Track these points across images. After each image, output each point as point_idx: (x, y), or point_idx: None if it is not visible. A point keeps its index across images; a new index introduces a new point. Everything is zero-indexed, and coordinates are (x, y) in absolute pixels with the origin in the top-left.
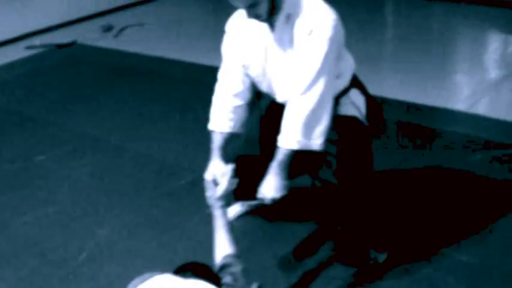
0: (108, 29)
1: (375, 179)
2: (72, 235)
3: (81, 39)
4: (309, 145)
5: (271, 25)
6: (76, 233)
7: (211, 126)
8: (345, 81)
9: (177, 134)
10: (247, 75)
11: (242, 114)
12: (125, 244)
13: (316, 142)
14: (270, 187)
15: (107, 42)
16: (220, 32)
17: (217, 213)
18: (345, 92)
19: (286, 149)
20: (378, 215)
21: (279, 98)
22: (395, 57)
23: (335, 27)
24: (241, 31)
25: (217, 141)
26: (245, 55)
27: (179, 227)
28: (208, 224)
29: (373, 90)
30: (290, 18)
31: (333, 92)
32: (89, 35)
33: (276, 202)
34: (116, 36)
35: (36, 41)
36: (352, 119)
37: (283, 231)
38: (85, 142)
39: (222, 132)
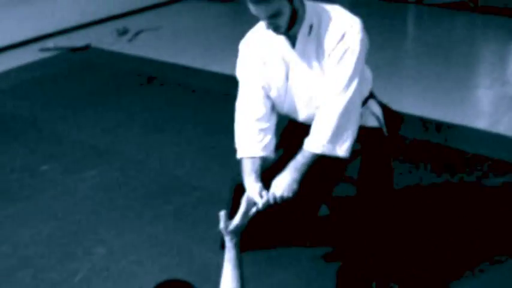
0: (123, 32)
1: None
2: (69, 254)
3: (95, 43)
4: (334, 151)
5: (291, 38)
6: (73, 252)
7: (241, 153)
8: (365, 90)
9: (188, 148)
10: (268, 97)
11: (271, 136)
12: (122, 266)
13: (342, 149)
14: (282, 185)
15: (121, 46)
16: (240, 39)
17: (228, 245)
18: (364, 102)
19: (310, 152)
20: (390, 240)
21: (301, 116)
22: (412, 69)
23: (363, 30)
24: (258, 51)
25: (250, 167)
26: (265, 76)
27: (182, 249)
28: (212, 248)
29: (388, 104)
30: (313, 30)
31: (360, 98)
32: (104, 39)
33: (283, 202)
34: (130, 40)
35: (51, 43)
36: (374, 130)
37: (289, 257)
38: (92, 152)
39: (254, 158)
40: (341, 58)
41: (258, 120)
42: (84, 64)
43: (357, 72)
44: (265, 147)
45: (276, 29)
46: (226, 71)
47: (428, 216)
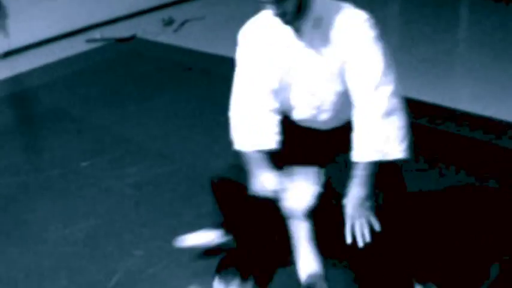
0: (168, 22)
1: (409, 198)
2: (105, 255)
3: (141, 33)
4: (390, 153)
5: (297, 30)
6: (110, 253)
7: (254, 146)
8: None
9: (231, 144)
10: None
11: (279, 129)
12: (158, 269)
13: (398, 148)
14: (355, 206)
15: (167, 36)
16: None
17: (300, 225)
18: None
19: (365, 163)
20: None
21: (297, 113)
22: (467, 63)
23: (374, 26)
24: (262, 41)
25: (262, 160)
26: (269, 66)
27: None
28: None
29: (441, 99)
30: (320, 22)
31: (401, 90)
32: (150, 29)
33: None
34: (175, 30)
35: (97, 34)
36: None
37: None
38: (132, 149)
39: (262, 151)
40: (363, 53)
41: (273, 111)
42: (130, 55)
43: (387, 65)
44: (278, 139)
45: (283, 15)
46: None
47: (473, 223)
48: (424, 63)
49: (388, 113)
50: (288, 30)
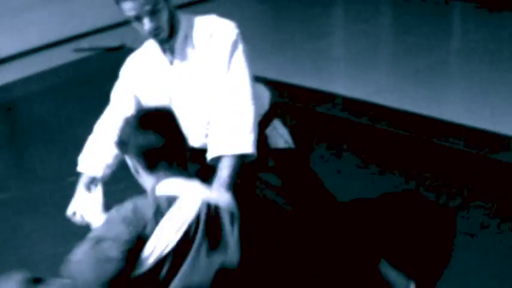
0: None
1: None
2: None
3: (130, 43)
4: (237, 147)
5: (171, 51)
6: None
7: (81, 168)
8: (262, 105)
9: None
10: None
11: (116, 161)
12: None
13: (245, 144)
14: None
15: None
16: (283, 42)
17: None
18: (268, 122)
19: (224, 158)
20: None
21: (195, 141)
22: (458, 74)
23: (236, 32)
24: (138, 74)
25: (86, 181)
26: (143, 100)
27: None
28: None
29: (431, 110)
30: (188, 39)
31: (250, 92)
32: (138, 38)
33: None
34: None
35: (85, 43)
36: (285, 151)
37: None
38: (121, 163)
39: (91, 176)
40: (212, 57)
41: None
42: (119, 65)
43: (235, 66)
44: (108, 170)
45: (158, 33)
46: (270, 75)
47: None
48: (419, 74)
49: (237, 108)
50: (160, 56)
